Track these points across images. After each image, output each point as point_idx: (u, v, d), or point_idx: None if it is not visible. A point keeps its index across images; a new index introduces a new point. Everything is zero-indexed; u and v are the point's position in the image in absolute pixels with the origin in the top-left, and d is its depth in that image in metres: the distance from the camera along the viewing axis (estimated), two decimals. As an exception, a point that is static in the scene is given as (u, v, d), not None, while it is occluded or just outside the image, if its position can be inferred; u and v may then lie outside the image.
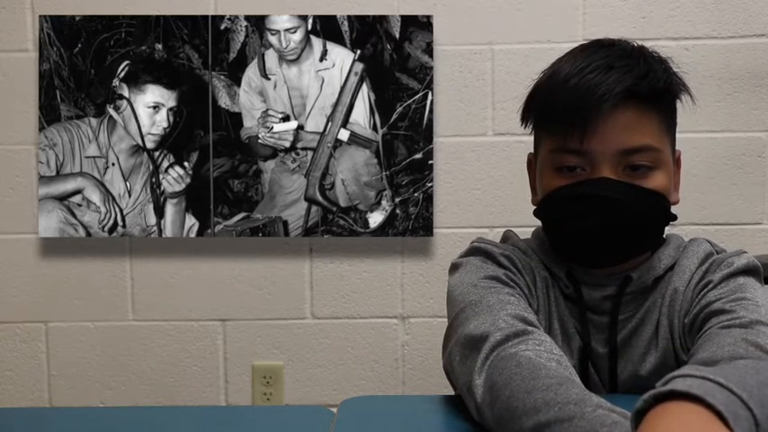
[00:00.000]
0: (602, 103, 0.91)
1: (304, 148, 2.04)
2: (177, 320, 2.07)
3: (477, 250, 1.03)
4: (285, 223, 2.04)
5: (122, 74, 2.03)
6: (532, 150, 1.07)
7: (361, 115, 2.03)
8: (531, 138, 1.07)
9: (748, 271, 0.96)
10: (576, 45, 1.02)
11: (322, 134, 2.03)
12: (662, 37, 1.98)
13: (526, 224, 1.11)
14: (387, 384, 2.07)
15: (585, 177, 0.94)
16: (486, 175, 2.04)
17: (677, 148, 1.01)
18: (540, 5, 2.02)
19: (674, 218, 0.98)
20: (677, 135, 1.01)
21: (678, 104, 1.00)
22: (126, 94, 2.03)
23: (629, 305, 1.00)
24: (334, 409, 0.93)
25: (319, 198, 2.03)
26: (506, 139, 2.03)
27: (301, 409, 1.62)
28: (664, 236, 1.03)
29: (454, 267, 1.04)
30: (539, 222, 1.07)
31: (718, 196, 2.03)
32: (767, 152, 2.03)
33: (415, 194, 2.03)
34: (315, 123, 2.04)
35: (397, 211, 2.03)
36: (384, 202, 2.04)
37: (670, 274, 1.00)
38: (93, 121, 2.04)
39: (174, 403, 2.06)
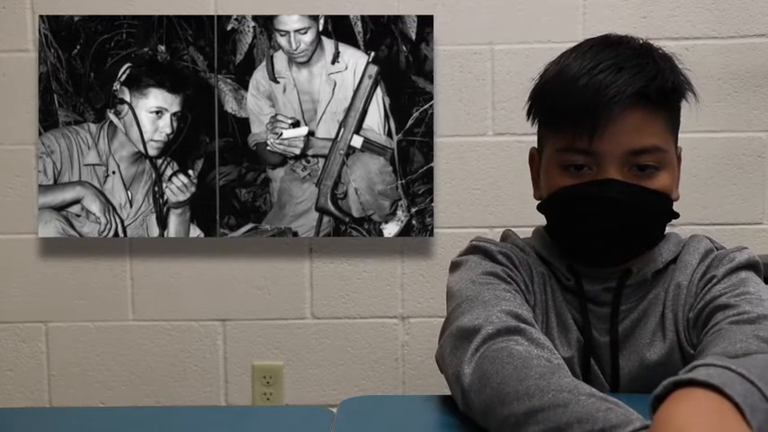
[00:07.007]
0: (612, 105, 0.91)
1: (315, 156, 1.97)
2: (177, 320, 2.07)
3: (475, 248, 1.04)
4: (295, 234, 1.98)
5: (123, 77, 1.97)
6: (536, 145, 1.07)
7: (375, 121, 1.96)
8: (531, 138, 1.08)
9: (749, 266, 0.98)
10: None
11: (334, 141, 1.96)
12: (662, 37, 1.98)
13: (526, 224, 1.12)
14: (387, 384, 2.07)
15: (592, 177, 0.95)
16: (486, 175, 2.04)
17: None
18: (540, 5, 2.02)
19: (677, 216, 0.99)
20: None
21: (682, 103, 1.00)
22: (127, 98, 1.97)
23: (631, 297, 1.01)
24: (334, 409, 0.93)
25: (331, 208, 1.96)
26: (506, 139, 2.03)
27: (301, 409, 1.62)
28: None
29: (454, 266, 1.05)
30: (539, 221, 1.07)
31: (718, 196, 2.03)
32: (767, 152, 2.03)
33: (432, 204, 1.96)
34: (326, 129, 1.97)
35: (413, 221, 1.96)
36: (399, 212, 1.96)
37: (672, 268, 1.01)
38: (93, 127, 1.98)
39: (174, 403, 2.06)
